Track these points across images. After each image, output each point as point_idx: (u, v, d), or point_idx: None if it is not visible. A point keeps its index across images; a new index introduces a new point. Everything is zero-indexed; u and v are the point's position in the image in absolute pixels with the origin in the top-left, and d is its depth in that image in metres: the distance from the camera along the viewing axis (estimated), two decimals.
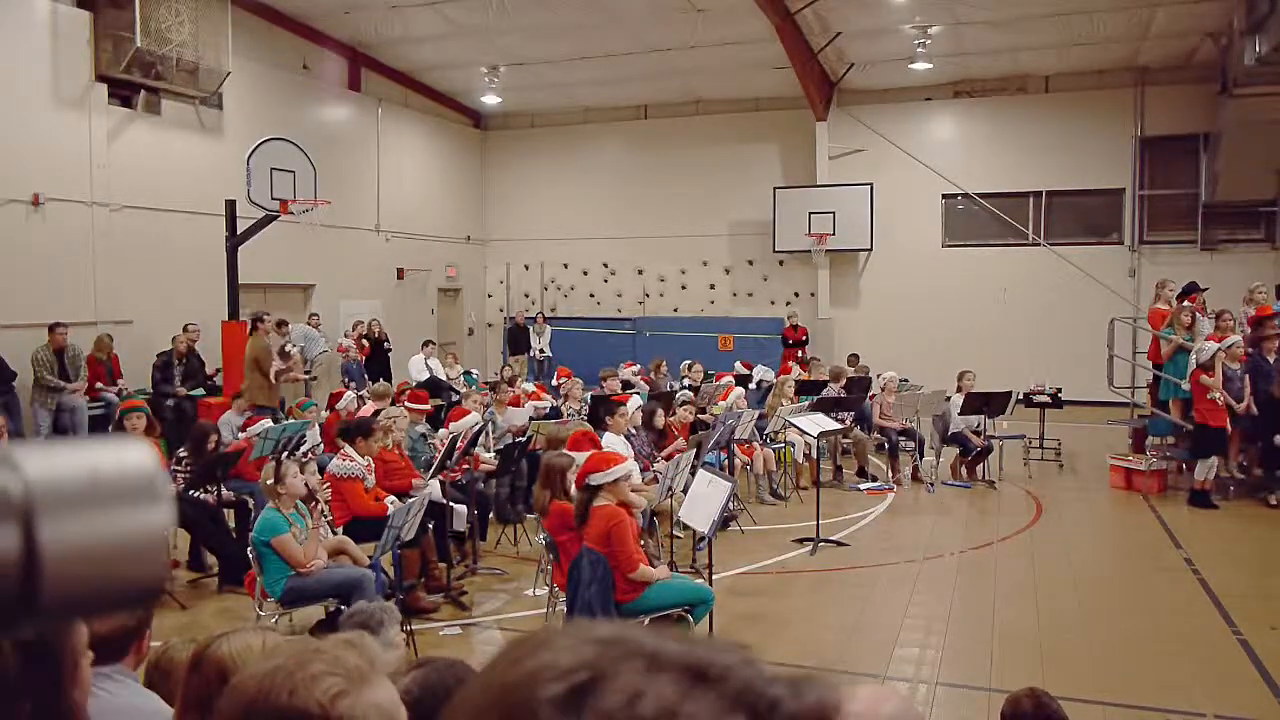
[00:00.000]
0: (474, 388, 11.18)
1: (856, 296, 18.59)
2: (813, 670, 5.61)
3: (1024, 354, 16.04)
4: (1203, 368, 9.63)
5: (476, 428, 8.30)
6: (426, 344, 15.58)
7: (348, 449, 7.05)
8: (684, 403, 9.94)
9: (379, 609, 3.39)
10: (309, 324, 14.83)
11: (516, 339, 19.17)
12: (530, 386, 11.70)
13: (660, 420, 9.14)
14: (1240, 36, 12.73)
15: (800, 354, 15.86)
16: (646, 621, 5.42)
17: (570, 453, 6.58)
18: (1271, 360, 10.07)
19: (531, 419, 9.89)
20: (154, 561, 0.58)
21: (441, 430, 8.73)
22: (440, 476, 7.38)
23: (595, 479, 5.46)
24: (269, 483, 5.78)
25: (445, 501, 7.24)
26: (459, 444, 7.52)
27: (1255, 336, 10.42)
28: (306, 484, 6.04)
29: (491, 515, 8.47)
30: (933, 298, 17.79)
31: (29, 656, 0.68)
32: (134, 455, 0.59)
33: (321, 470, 7.13)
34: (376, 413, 8.49)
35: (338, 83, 17.00)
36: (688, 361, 13.08)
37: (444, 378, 14.69)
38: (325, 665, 1.22)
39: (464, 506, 7.51)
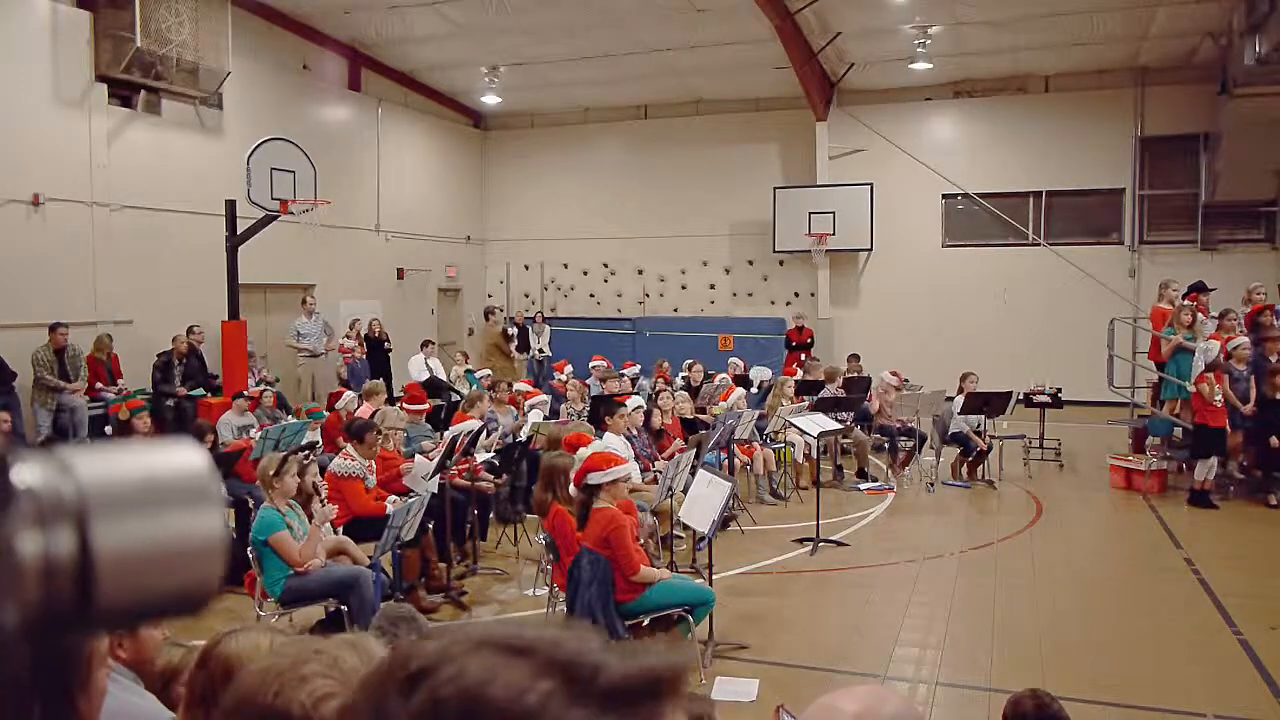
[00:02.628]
0: (476, 387, 11.18)
1: (856, 296, 18.59)
2: (812, 670, 5.62)
3: (1024, 354, 16.04)
4: (1210, 369, 9.62)
5: (477, 428, 8.29)
6: (426, 344, 15.59)
7: (349, 449, 7.05)
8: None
9: (407, 615, 3.34)
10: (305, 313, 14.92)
11: (519, 339, 19.13)
12: (523, 386, 11.73)
13: (657, 420, 9.12)
14: (1240, 36, 12.73)
15: (804, 357, 15.76)
16: (647, 622, 5.43)
17: (570, 454, 6.57)
18: (1273, 360, 10.06)
19: (534, 421, 9.86)
20: (209, 566, 0.57)
21: (447, 432, 8.72)
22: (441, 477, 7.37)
23: (594, 478, 5.45)
24: (270, 474, 5.77)
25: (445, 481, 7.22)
26: (459, 443, 7.51)
27: (1258, 338, 10.43)
28: (311, 485, 6.04)
29: (492, 515, 8.47)
30: (933, 298, 17.79)
31: (41, 659, 0.68)
32: (187, 458, 0.58)
33: (322, 470, 7.13)
34: (374, 412, 8.50)
35: (338, 83, 17.00)
36: (689, 361, 13.09)
37: (444, 377, 14.69)
38: (320, 667, 1.21)
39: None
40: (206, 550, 0.57)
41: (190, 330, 12.67)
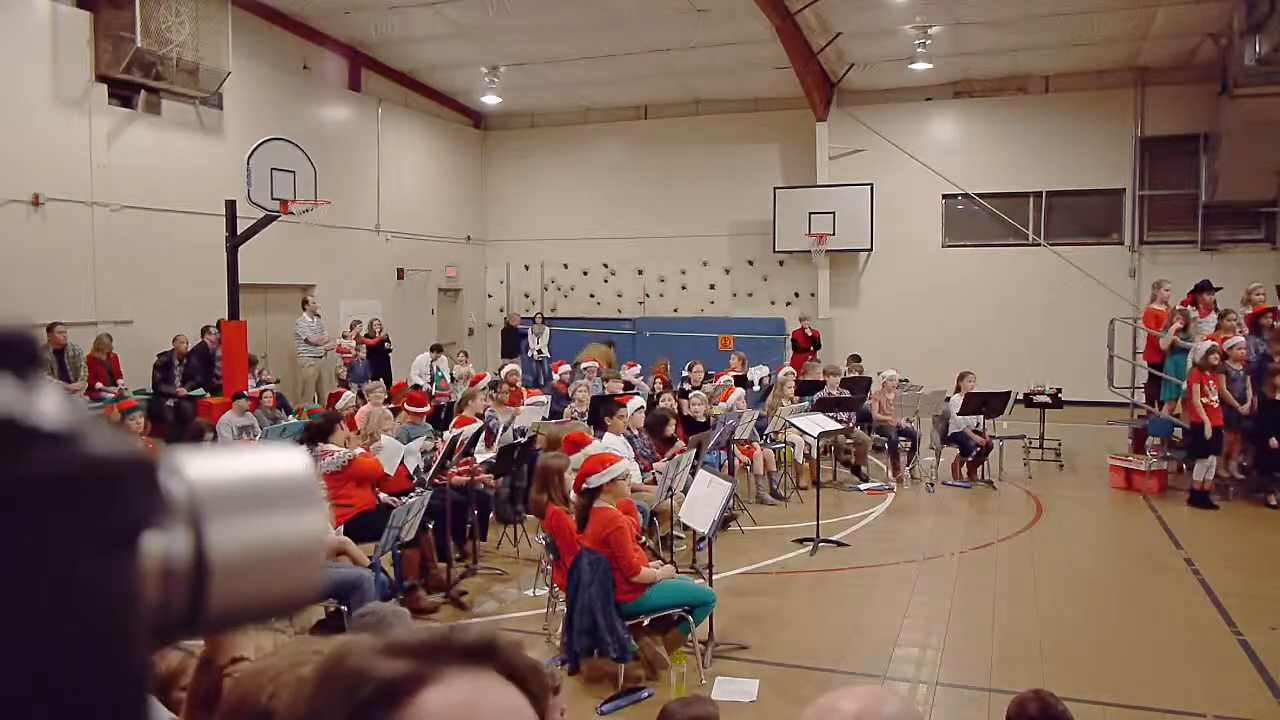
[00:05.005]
0: (449, 380, 11.16)
1: (856, 296, 18.59)
2: (812, 670, 5.61)
3: (1024, 354, 16.04)
4: (1200, 368, 9.62)
5: (478, 429, 8.28)
6: (435, 347, 15.61)
7: (326, 445, 6.83)
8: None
9: (391, 612, 3.36)
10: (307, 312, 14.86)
11: (508, 341, 18.97)
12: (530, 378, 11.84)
13: (670, 428, 9.04)
14: (1240, 36, 12.72)
15: (811, 358, 15.65)
16: (647, 622, 5.43)
17: (565, 455, 6.56)
18: (1276, 361, 10.05)
19: (532, 420, 9.85)
20: (313, 567, 0.57)
21: (445, 433, 8.71)
22: (440, 478, 7.37)
23: (593, 481, 5.46)
24: None
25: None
26: (458, 445, 7.51)
27: (1259, 339, 10.42)
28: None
29: (492, 515, 8.47)
30: (933, 298, 17.79)
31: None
32: (291, 460, 0.59)
33: None
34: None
35: (338, 83, 17.00)
36: (691, 362, 13.08)
37: (448, 379, 14.68)
38: None
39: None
40: (311, 552, 0.57)
41: (204, 330, 12.70)
